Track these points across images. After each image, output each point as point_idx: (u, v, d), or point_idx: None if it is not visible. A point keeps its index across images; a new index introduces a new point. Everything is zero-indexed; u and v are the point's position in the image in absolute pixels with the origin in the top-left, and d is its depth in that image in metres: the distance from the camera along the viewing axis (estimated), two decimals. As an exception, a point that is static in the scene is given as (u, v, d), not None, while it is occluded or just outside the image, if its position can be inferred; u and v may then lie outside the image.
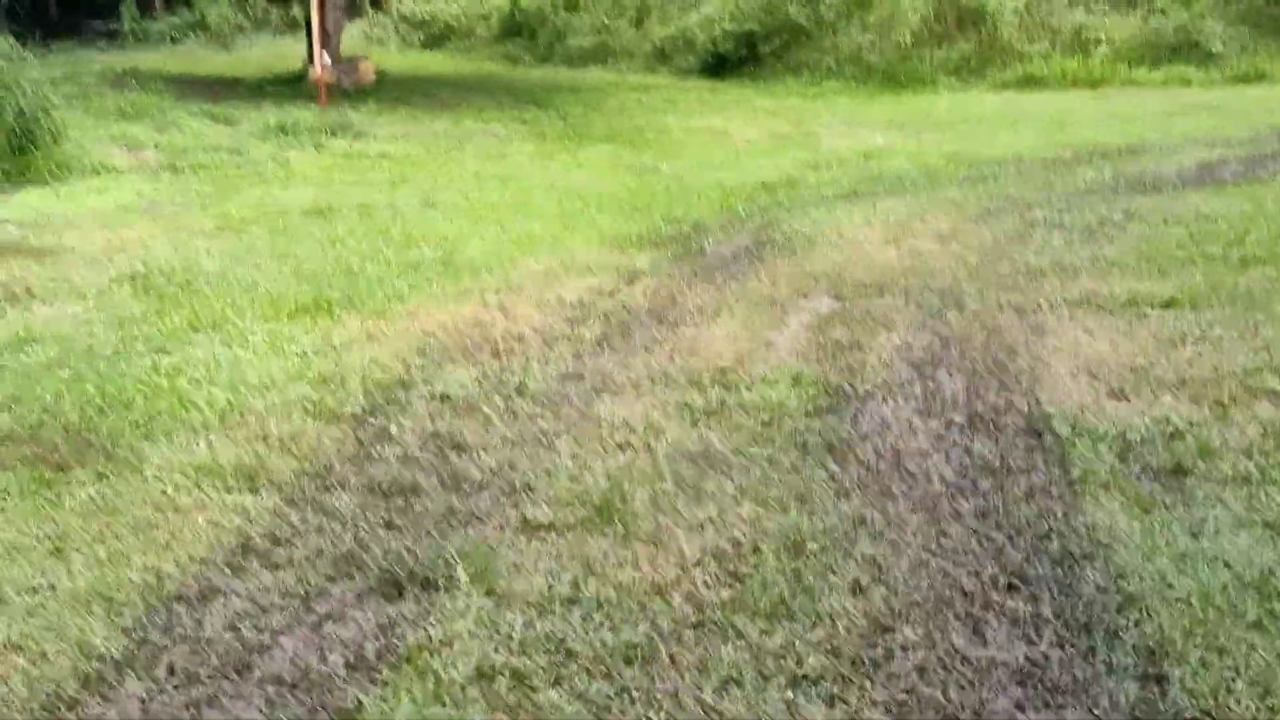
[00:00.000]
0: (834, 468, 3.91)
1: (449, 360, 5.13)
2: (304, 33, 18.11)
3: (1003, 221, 7.99)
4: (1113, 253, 6.86)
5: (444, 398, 4.66)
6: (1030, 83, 17.87)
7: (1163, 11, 18.79)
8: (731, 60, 20.82)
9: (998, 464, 3.91)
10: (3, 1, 21.08)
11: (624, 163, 12.08)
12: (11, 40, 11.83)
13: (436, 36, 24.78)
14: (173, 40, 26.32)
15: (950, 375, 4.83)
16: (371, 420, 4.43)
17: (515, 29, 23.88)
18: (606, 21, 23.22)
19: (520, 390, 4.73)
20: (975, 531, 3.44)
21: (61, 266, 7.30)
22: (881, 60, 19.33)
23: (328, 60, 14.71)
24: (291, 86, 17.64)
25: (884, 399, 4.56)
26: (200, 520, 3.59)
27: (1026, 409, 4.40)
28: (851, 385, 4.72)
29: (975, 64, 18.63)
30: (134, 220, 8.93)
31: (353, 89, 17.91)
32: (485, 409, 4.52)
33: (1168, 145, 11.73)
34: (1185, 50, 17.94)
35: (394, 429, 4.33)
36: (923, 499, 3.66)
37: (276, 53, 22.98)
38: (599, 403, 4.58)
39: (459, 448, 4.16)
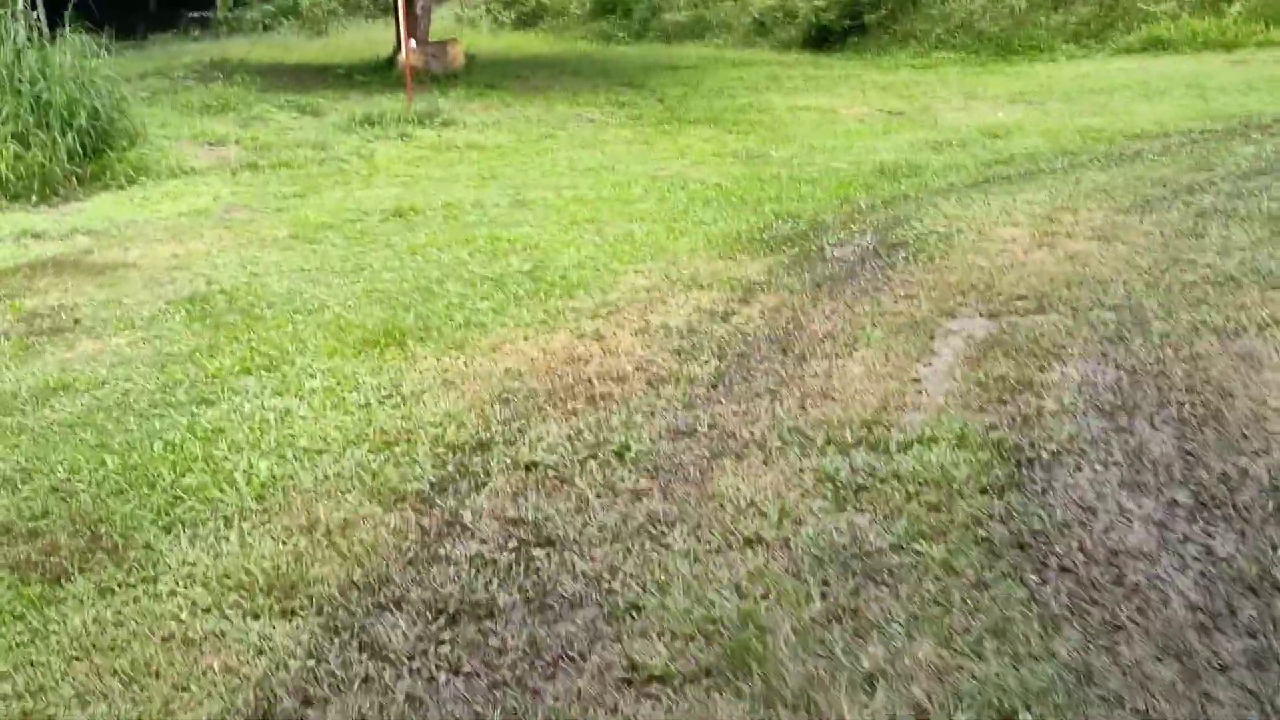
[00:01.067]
0: (1032, 580, 2.94)
1: (535, 411, 4.24)
2: (413, 11, 17.35)
3: (1166, 212, 6.88)
4: (1312, 251, 5.76)
5: (529, 467, 3.77)
6: (1157, 46, 16.47)
7: (1301, -36, 17.24)
8: (835, 31, 19.66)
9: (1255, 576, 2.91)
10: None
11: (728, 149, 11.11)
12: (85, 37, 11.17)
13: (528, 16, 23.91)
14: (265, 28, 25.77)
15: (1154, 427, 3.82)
16: (440, 502, 3.56)
17: (609, 5, 22.92)
18: (703, -6, 22.19)
19: (621, 455, 3.83)
20: (1253, 695, 2.47)
21: (119, 287, 6.57)
22: (994, 27, 18.05)
23: (414, 46, 13.91)
24: (381, 74, 16.90)
25: (1076, 465, 3.58)
26: (214, 665, 2.75)
27: (1268, 480, 3.39)
28: (1031, 445, 3.73)
29: (1095, 27, 17.27)
30: (206, 229, 8.20)
31: (442, 73, 17.11)
32: (579, 483, 3.63)
33: (1332, 114, 10.46)
34: (1328, 6, 16.41)
35: (468, 515, 3.46)
36: (1165, 635, 2.69)
37: (369, 38, 22.27)
38: (719, 473, 3.66)
39: (547, 543, 3.27)
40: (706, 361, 4.70)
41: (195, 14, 27.10)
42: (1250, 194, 7.18)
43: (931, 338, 4.85)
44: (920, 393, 4.25)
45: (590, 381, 4.51)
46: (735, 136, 12.02)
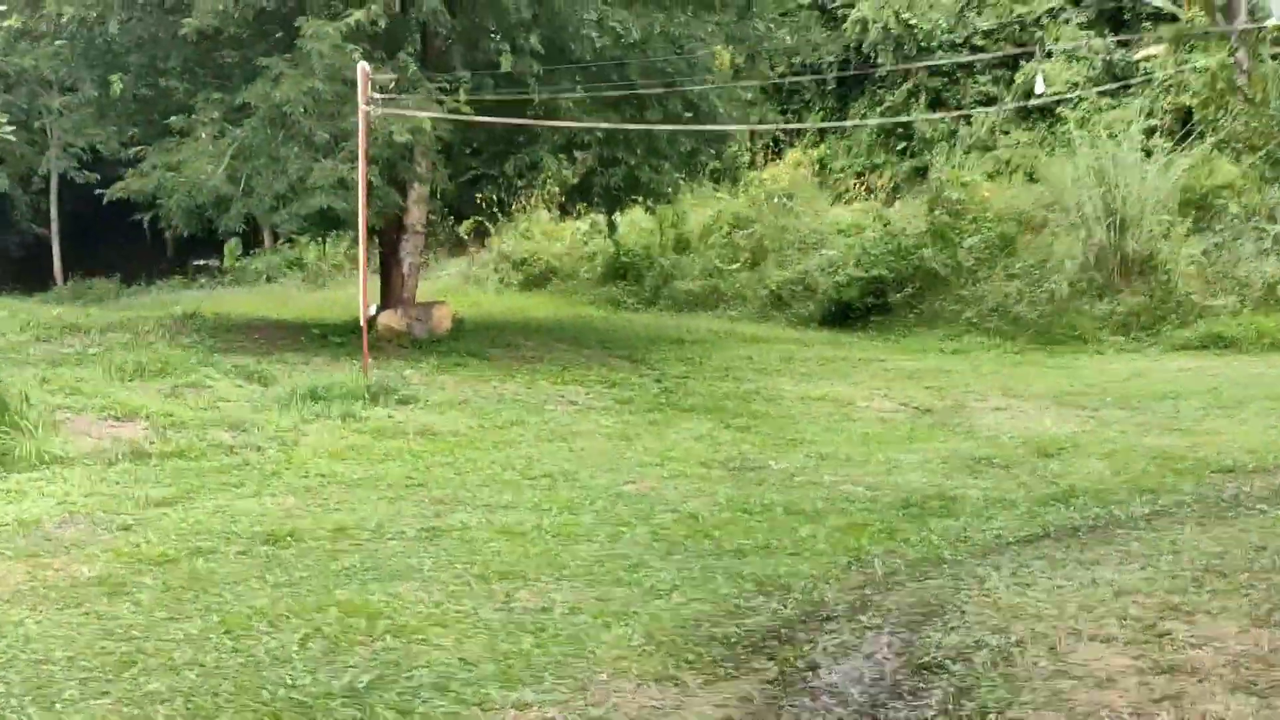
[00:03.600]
0: None
1: None
2: (399, 270, 15.65)
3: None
4: None
5: None
6: (1217, 343, 14.40)
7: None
8: (857, 309, 17.82)
9: None
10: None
11: (720, 454, 8.95)
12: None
13: (537, 278, 22.37)
14: (269, 279, 24.45)
15: None
16: None
17: (619, 270, 21.32)
18: (719, 264, 20.53)
19: None
20: None
21: None
22: (1032, 313, 16.13)
23: (373, 310, 12.07)
24: (358, 336, 15.02)
25: None
26: None
27: None
28: None
29: (1146, 320, 15.28)
30: (8, 561, 6.00)
31: (426, 338, 15.27)
32: None
33: None
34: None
35: None
36: None
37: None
38: None
39: None
40: None
41: (202, 262, 25.92)
42: None
43: None
44: None
45: None
46: (733, 435, 9.90)
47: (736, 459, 8.79)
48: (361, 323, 11.90)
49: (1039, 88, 16.61)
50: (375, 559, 5.94)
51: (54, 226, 28.28)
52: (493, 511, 7.01)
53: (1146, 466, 8.07)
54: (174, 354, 12.67)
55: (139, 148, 13.66)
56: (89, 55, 13.44)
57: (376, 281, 17.09)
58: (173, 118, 13.32)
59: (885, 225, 18.17)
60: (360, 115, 11.30)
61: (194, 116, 13.01)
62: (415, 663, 4.35)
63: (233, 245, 25.75)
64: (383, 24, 12.42)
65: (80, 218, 27.99)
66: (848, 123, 22.96)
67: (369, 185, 12.79)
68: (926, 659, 4.32)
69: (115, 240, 28.57)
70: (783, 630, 4.75)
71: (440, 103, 12.84)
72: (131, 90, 13.83)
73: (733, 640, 4.62)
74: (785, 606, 5.07)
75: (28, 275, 29.18)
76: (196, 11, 12.19)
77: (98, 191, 14.82)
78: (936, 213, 18.06)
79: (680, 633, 4.70)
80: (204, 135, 12.78)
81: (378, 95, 11.45)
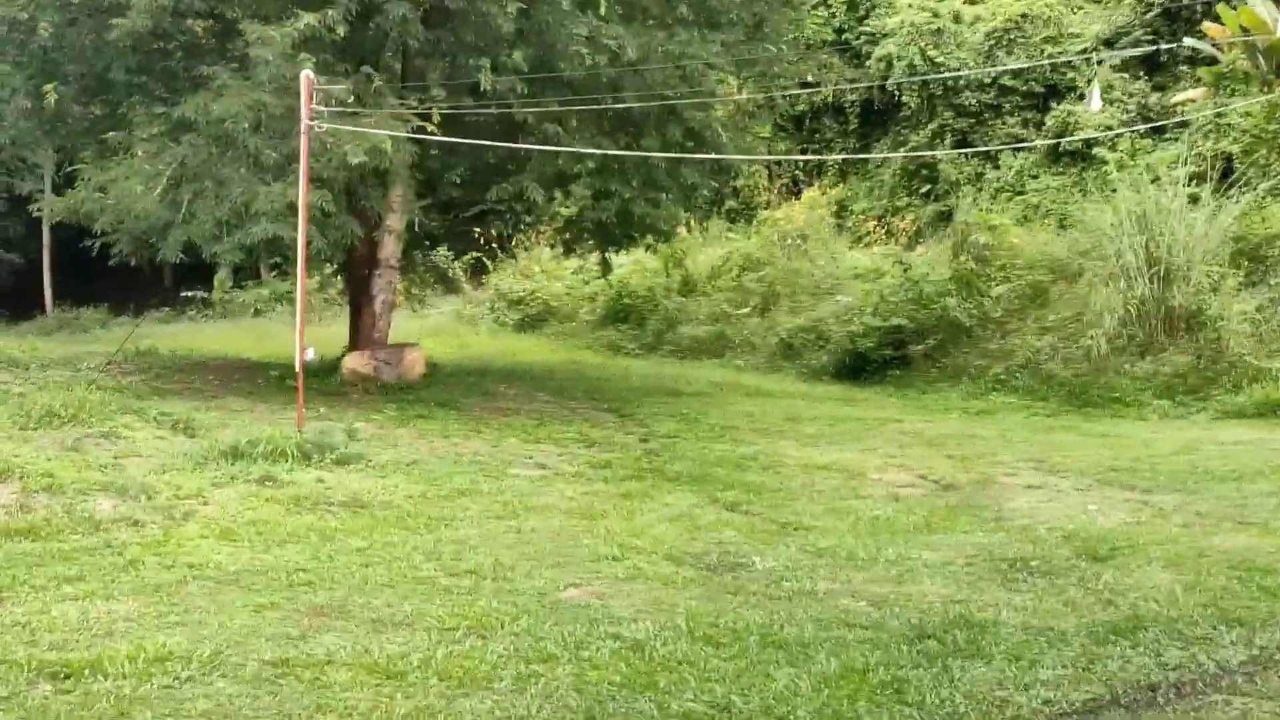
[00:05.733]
0: None
1: None
2: (370, 309, 13.95)
3: None
4: None
5: None
6: (1276, 411, 12.55)
7: None
8: (873, 361, 16.02)
9: None
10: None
11: (697, 543, 7.20)
12: None
13: (534, 318, 20.69)
14: (256, 312, 22.84)
15: None
16: None
17: (620, 314, 19.63)
18: (727, 309, 18.76)
19: None
20: None
21: None
22: (1066, 371, 14.29)
23: (311, 354, 10.39)
24: (319, 379, 13.32)
25: None
26: None
27: None
28: None
29: (1194, 382, 13.43)
30: None
31: (394, 384, 13.58)
32: None
33: None
34: None
35: None
36: None
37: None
38: None
39: None
40: None
41: (189, 294, 24.34)
42: None
43: None
44: None
45: None
46: (717, 514, 8.14)
47: (714, 551, 7.02)
48: (297, 368, 10.17)
49: (1094, 104, 14.86)
50: (178, 716, 4.20)
51: (45, 254, 26.80)
52: (380, 630, 5.27)
53: (1227, 582, 6.24)
54: (96, 398, 10.99)
55: (74, 167, 12.06)
56: (22, 63, 11.86)
57: (345, 321, 15.48)
58: (110, 134, 11.71)
59: (905, 270, 16.39)
60: (302, 129, 9.63)
61: (132, 133, 11.40)
62: None
63: (222, 277, 24.24)
64: (342, 31, 10.79)
65: (72, 245, 26.55)
66: (864, 155, 21.26)
67: (323, 213, 11.15)
68: None
69: (111, 270, 27.16)
70: None
71: (406, 121, 11.19)
72: (73, 102, 12.25)
73: None
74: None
75: (18, 303, 27.77)
76: (132, 12, 10.60)
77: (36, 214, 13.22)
78: (962, 258, 16.28)
79: None
80: (140, 153, 11.16)
81: (323, 109, 9.79)
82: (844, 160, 24.61)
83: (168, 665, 4.69)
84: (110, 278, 26.96)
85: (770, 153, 15.51)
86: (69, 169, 12.42)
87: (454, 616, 5.49)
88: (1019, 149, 21.40)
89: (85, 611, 5.44)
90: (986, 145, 22.41)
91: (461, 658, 4.89)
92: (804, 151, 24.79)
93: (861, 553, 7.02)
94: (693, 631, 5.32)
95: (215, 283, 24.35)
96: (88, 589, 5.81)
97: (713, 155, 12.87)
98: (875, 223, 21.49)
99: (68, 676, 4.58)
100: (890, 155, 20.80)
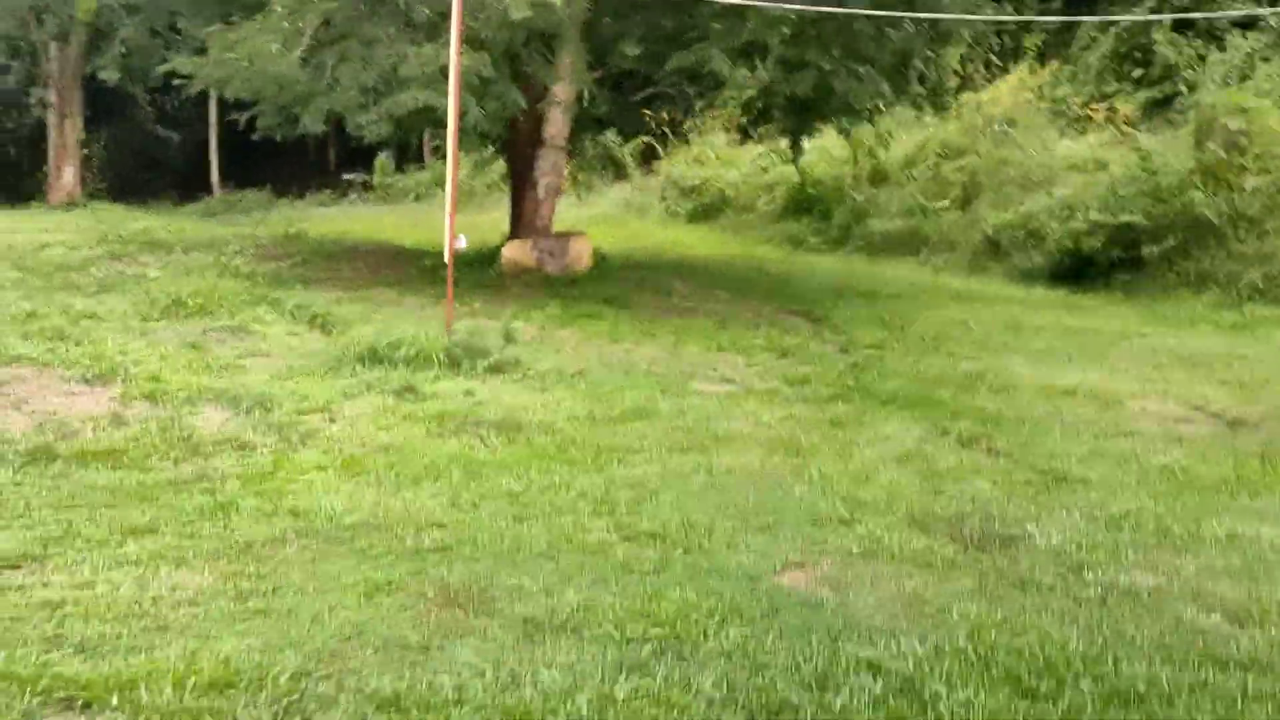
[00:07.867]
0: None
1: None
2: (533, 193, 12.30)
3: None
4: None
5: None
6: None
7: None
8: (1098, 263, 13.71)
9: None
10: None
11: (943, 497, 5.41)
12: None
13: (708, 208, 18.82)
14: (417, 198, 21.50)
15: None
16: None
17: (804, 204, 17.56)
18: (922, 201, 16.53)
19: None
20: None
21: None
22: (1343, 279, 11.83)
23: (463, 243, 8.79)
24: (478, 269, 11.79)
25: None
26: None
27: None
28: None
29: None
30: None
31: (560, 276, 11.98)
32: None
33: None
34: None
35: None
36: None
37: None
38: None
39: None
40: None
41: (349, 177, 23.15)
42: None
43: None
44: None
45: None
46: (957, 454, 6.32)
47: (970, 514, 5.19)
48: (446, 258, 8.62)
49: None
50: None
51: (211, 134, 25.97)
52: (533, 638, 3.65)
53: None
54: (229, 286, 9.69)
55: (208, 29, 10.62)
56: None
57: (506, 207, 13.89)
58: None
59: (1143, 160, 13.90)
60: (456, -25, 7.91)
61: (274, -12, 9.86)
62: None
63: (383, 160, 23.03)
64: None
65: (236, 126, 25.71)
66: (1110, 18, 18.57)
67: (481, 80, 9.46)
68: None
69: (276, 152, 26.33)
70: None
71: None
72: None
73: None
74: None
75: (188, 183, 27.15)
76: None
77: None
78: (1208, 146, 13.72)
79: None
80: (279, 9, 9.61)
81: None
82: (1043, 41, 21.87)
83: (226, 696, 3.14)
84: (276, 160, 26.08)
85: (988, 9, 12.94)
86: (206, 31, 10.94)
87: (636, 617, 3.84)
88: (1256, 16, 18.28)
89: (142, 585, 3.96)
90: (1213, 18, 19.35)
91: (650, 701, 3.23)
92: (999, 34, 22.05)
93: (1174, 525, 5.12)
94: (988, 663, 3.55)
95: (375, 165, 23.14)
96: (156, 547, 4.34)
97: (931, 14, 10.67)
98: (1090, 108, 18.79)
99: (85, 707, 3.07)
100: (1123, 19, 18.00)
